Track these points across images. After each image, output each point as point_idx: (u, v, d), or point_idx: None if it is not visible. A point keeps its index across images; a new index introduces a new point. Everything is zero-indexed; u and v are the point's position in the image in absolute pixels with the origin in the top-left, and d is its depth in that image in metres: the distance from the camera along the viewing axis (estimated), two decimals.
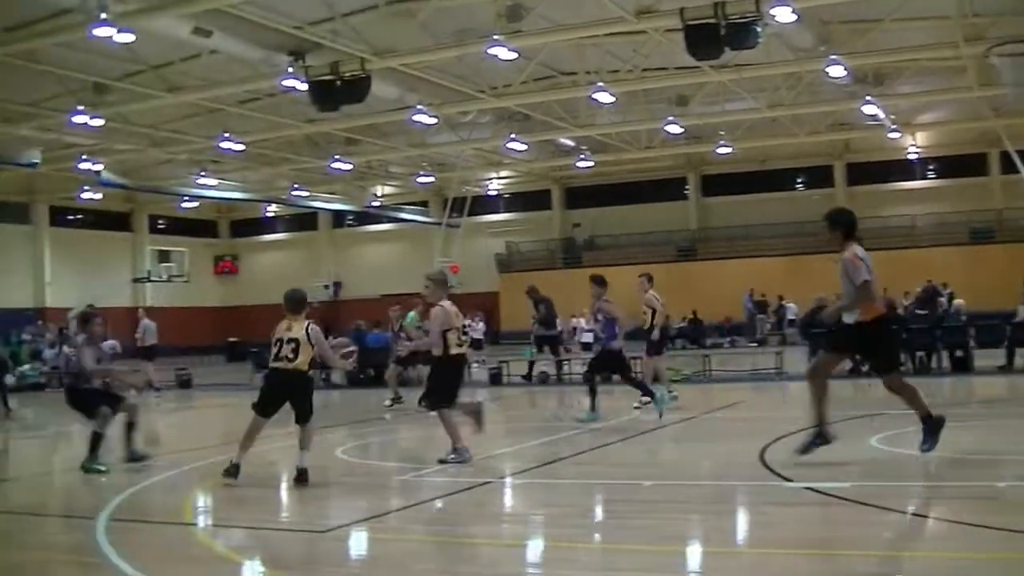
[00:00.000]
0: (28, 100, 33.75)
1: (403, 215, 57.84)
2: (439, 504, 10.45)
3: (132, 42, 25.56)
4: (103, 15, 23.07)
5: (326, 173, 48.51)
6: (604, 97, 32.64)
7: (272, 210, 61.80)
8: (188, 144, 41.10)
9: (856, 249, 11.05)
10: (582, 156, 46.18)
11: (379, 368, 27.38)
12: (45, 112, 34.48)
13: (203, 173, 46.59)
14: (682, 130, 40.84)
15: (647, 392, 17.52)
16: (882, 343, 11.20)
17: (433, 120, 35.74)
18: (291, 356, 11.48)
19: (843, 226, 11.29)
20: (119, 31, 24.01)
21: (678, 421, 16.59)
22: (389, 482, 12.17)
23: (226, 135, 37.58)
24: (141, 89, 32.29)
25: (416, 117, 34.55)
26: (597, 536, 9.10)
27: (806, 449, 11.13)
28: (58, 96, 33.25)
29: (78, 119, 33.18)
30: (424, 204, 58.68)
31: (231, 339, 51.71)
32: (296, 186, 51.38)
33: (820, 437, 11.15)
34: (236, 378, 32.08)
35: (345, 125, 38.65)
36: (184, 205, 56.03)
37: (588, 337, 33.50)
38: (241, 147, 39.50)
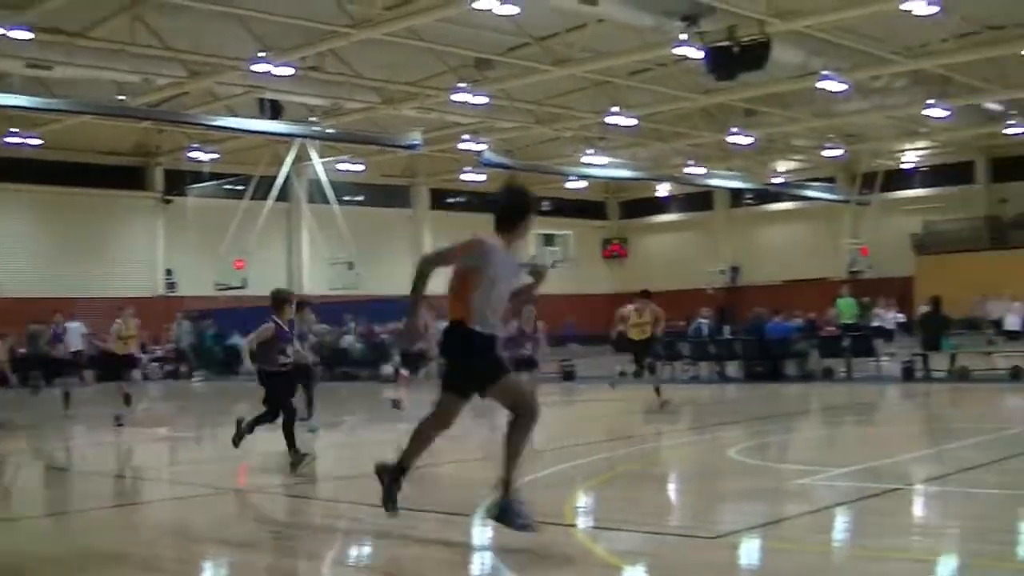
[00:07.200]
0: (409, 79, 35.36)
1: (808, 192, 56.68)
2: (842, 511, 10.14)
3: (516, 14, 26.42)
4: None
5: (723, 148, 48.46)
6: None
7: (665, 189, 62.06)
8: (575, 120, 41.95)
9: None
10: (1012, 122, 43.71)
11: (778, 360, 27.28)
12: (427, 91, 35.97)
13: (591, 151, 47.35)
14: None
15: None
16: None
17: (842, 87, 34.62)
18: None
19: None
20: (501, 2, 24.86)
21: None
22: (786, 486, 11.80)
23: (615, 109, 38.12)
24: (525, 63, 33.08)
25: (823, 84, 33.73)
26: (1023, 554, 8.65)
27: None
28: (439, 74, 34.57)
29: (459, 97, 34.49)
30: (831, 180, 57.31)
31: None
32: (691, 162, 51.55)
33: None
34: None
35: (743, 95, 38.33)
36: (570, 185, 57.27)
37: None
38: (632, 122, 39.98)
